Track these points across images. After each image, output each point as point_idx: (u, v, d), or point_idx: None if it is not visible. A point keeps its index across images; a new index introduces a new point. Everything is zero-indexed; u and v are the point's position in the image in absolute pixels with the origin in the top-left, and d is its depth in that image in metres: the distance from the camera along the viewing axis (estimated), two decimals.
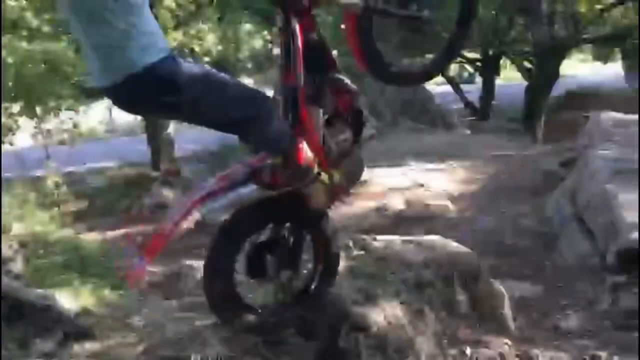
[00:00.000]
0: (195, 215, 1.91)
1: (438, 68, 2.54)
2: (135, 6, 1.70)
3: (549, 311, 3.44)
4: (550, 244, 4.48)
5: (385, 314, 2.28)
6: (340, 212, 6.54)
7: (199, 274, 4.15)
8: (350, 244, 2.92)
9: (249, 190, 1.97)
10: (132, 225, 6.59)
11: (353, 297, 2.35)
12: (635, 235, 3.42)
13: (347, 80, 2.15)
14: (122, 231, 6.29)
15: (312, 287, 2.27)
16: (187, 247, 5.38)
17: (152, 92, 1.74)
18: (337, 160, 2.15)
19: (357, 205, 6.61)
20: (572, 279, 3.82)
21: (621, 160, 4.53)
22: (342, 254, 2.82)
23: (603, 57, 21.41)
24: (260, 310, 2.23)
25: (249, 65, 35.16)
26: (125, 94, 1.77)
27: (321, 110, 2.10)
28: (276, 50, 2.18)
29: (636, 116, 6.76)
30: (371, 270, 2.53)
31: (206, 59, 14.40)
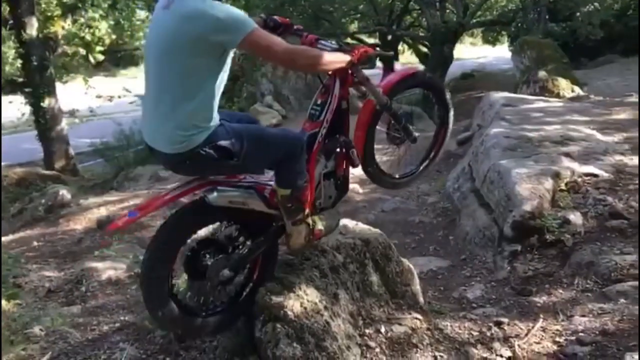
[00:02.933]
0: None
1: (406, 181, 2.99)
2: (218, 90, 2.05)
3: (455, 283, 3.61)
4: (453, 219, 4.70)
5: (301, 301, 2.28)
6: None
7: (103, 276, 3.95)
8: None
9: (249, 193, 2.21)
10: (26, 229, 6.12)
11: (268, 286, 2.32)
12: (527, 206, 3.65)
13: (355, 150, 2.46)
14: (15, 236, 5.82)
15: (246, 291, 2.37)
16: (88, 248, 5.10)
17: (211, 160, 2.02)
18: (318, 210, 2.43)
19: None
20: (473, 250, 4.03)
21: (512, 137, 4.82)
22: None
23: (491, 40, 22.69)
24: (198, 312, 2.27)
25: None
26: (184, 163, 2.03)
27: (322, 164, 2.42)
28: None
29: (523, 95, 7.24)
30: (285, 258, 2.51)
31: (99, 48, 13.62)
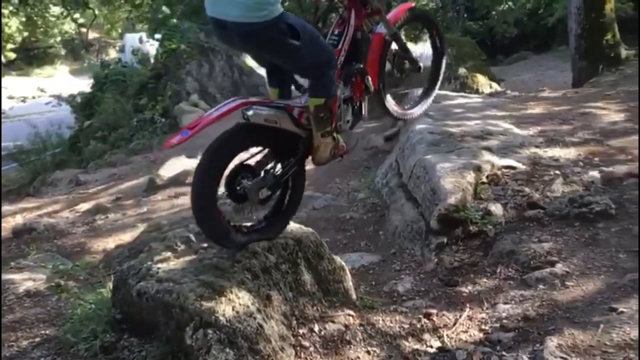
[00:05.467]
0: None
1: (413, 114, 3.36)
2: None
3: (386, 277, 3.68)
4: (382, 214, 4.79)
5: (233, 305, 2.25)
6: (180, 203, 6.33)
7: (21, 288, 3.72)
8: (192, 237, 2.82)
9: (280, 112, 2.46)
10: None
11: (198, 292, 2.27)
12: (452, 199, 3.77)
13: (370, 77, 2.73)
14: None
15: (280, 211, 2.68)
16: (4, 259, 4.79)
17: (280, 36, 2.25)
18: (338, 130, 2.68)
19: None
20: (403, 244, 4.12)
21: (436, 133, 4.97)
22: (183, 249, 2.73)
23: (413, 38, 23.28)
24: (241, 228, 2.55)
25: (63, 52, 32.19)
26: (255, 35, 2.24)
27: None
28: None
29: (445, 92, 7.48)
30: (215, 262, 2.46)
31: (10, 46, 12.80)
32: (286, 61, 2.47)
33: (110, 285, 2.86)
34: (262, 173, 2.48)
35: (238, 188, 2.42)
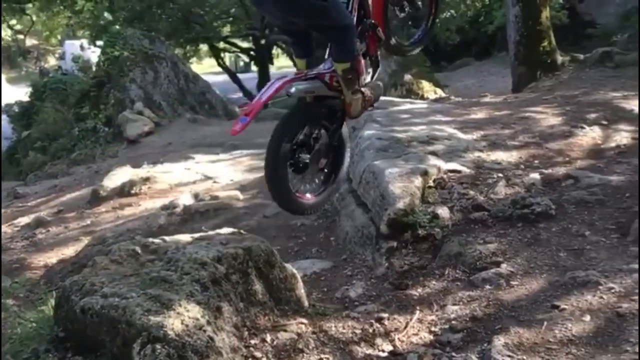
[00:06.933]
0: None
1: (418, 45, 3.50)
2: None
3: (338, 283, 3.69)
4: (333, 220, 4.81)
5: (182, 318, 2.20)
6: (125, 215, 6.15)
7: None
8: (138, 249, 2.75)
9: (314, 82, 2.68)
10: None
11: (145, 306, 2.21)
12: (400, 204, 3.83)
13: (380, 29, 2.88)
14: None
15: (332, 178, 2.91)
16: None
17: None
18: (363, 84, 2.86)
19: (143, 206, 6.28)
20: (354, 250, 4.15)
21: (384, 139, 5.03)
22: (129, 262, 2.66)
23: None
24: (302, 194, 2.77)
25: None
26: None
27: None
28: None
29: (392, 98, 7.60)
30: (163, 274, 2.41)
31: None
32: (313, 22, 2.64)
33: (52, 302, 2.76)
34: (312, 142, 2.73)
35: (298, 162, 2.69)
